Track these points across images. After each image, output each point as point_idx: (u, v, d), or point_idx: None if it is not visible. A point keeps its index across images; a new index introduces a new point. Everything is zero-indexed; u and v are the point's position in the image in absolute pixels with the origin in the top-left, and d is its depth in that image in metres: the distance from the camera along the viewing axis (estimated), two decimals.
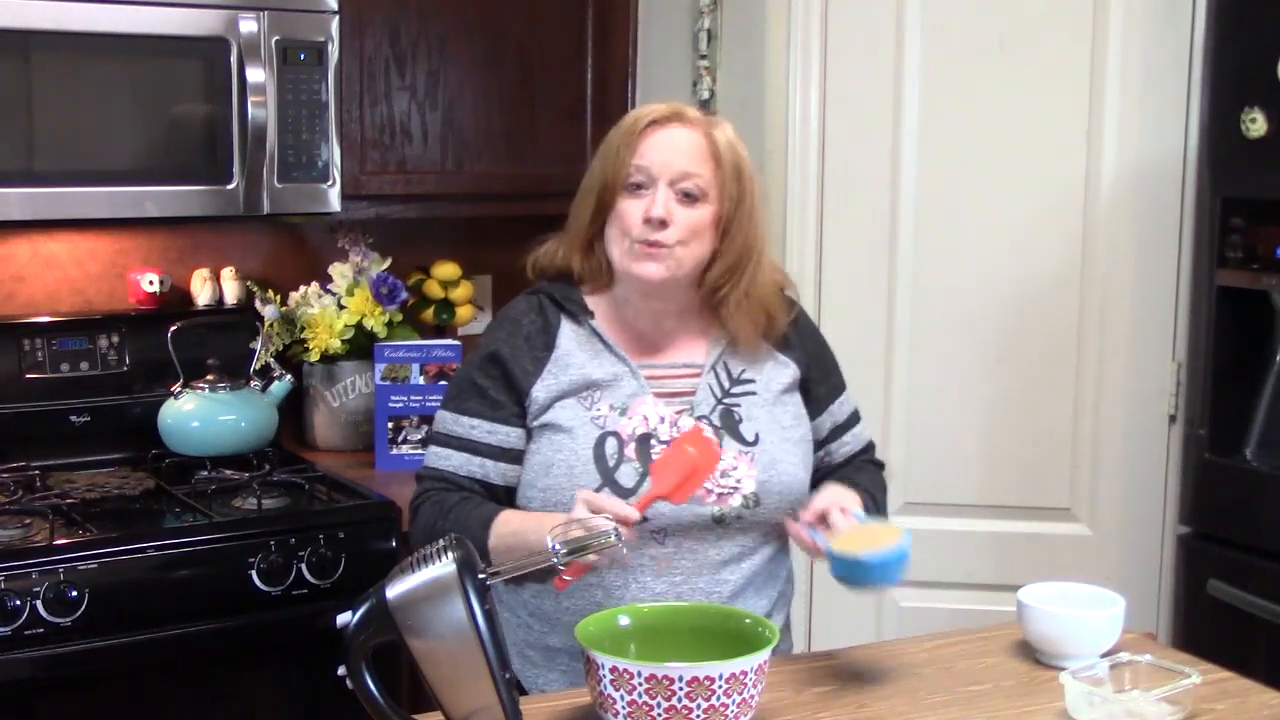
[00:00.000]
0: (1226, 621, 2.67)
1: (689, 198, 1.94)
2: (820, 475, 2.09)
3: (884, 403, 3.13)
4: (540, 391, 1.99)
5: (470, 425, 2.00)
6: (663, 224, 1.92)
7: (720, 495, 1.95)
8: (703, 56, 3.24)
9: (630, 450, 1.95)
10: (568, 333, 2.02)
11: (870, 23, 3.08)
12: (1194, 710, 1.77)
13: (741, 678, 1.59)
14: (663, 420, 1.97)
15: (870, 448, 2.21)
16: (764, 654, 1.63)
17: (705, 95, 3.23)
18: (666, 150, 1.93)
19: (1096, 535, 3.10)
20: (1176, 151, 2.96)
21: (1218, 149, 2.72)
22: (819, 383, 2.11)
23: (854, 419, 2.17)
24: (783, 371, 2.06)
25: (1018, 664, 1.95)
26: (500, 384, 2.00)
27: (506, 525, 1.90)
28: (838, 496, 1.92)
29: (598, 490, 1.90)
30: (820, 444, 2.12)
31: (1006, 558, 3.10)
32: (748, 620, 1.76)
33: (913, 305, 3.12)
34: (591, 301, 2.05)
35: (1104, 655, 1.87)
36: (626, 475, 1.93)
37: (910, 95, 3.08)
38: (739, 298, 2.00)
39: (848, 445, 2.15)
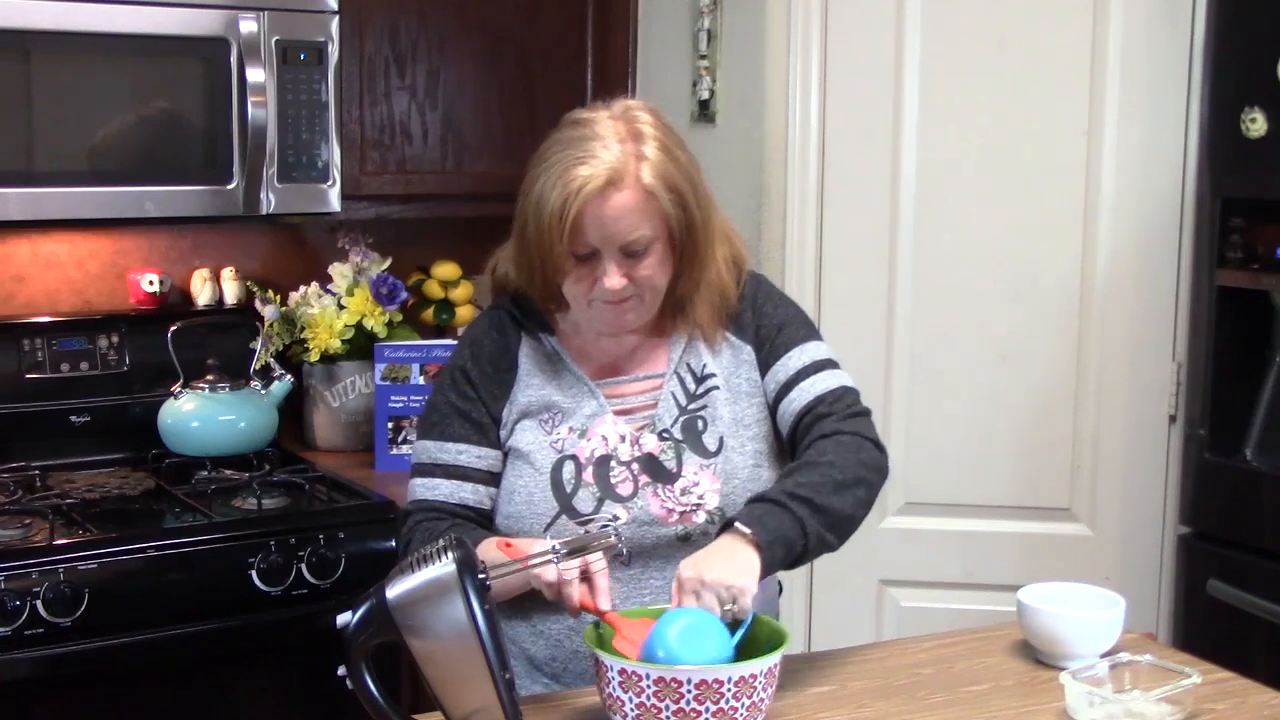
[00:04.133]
0: (1226, 621, 2.66)
1: (640, 249, 1.86)
2: (789, 442, 1.98)
3: (884, 402, 3.12)
4: (507, 414, 1.96)
5: (458, 451, 1.95)
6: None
7: (683, 514, 1.90)
8: (703, 56, 3.23)
9: (588, 474, 1.91)
10: (527, 351, 1.99)
11: (870, 23, 3.08)
12: (1194, 710, 1.76)
13: (751, 681, 1.59)
14: (623, 439, 1.92)
15: (831, 397, 1.94)
16: (774, 658, 1.63)
17: (705, 95, 3.23)
18: (607, 223, 1.82)
19: (1096, 535, 3.10)
20: (1176, 151, 2.95)
21: (1218, 149, 2.72)
22: (764, 343, 1.99)
23: (806, 371, 1.97)
24: (740, 357, 2.00)
25: (1018, 664, 1.95)
26: (479, 405, 1.96)
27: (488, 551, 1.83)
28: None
29: (556, 517, 1.88)
30: (773, 408, 1.99)
31: (1006, 558, 3.10)
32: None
33: (913, 305, 3.12)
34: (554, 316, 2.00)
35: (1104, 655, 1.87)
36: (584, 501, 1.90)
37: (910, 95, 3.07)
38: (702, 293, 1.96)
39: (795, 402, 1.95)
